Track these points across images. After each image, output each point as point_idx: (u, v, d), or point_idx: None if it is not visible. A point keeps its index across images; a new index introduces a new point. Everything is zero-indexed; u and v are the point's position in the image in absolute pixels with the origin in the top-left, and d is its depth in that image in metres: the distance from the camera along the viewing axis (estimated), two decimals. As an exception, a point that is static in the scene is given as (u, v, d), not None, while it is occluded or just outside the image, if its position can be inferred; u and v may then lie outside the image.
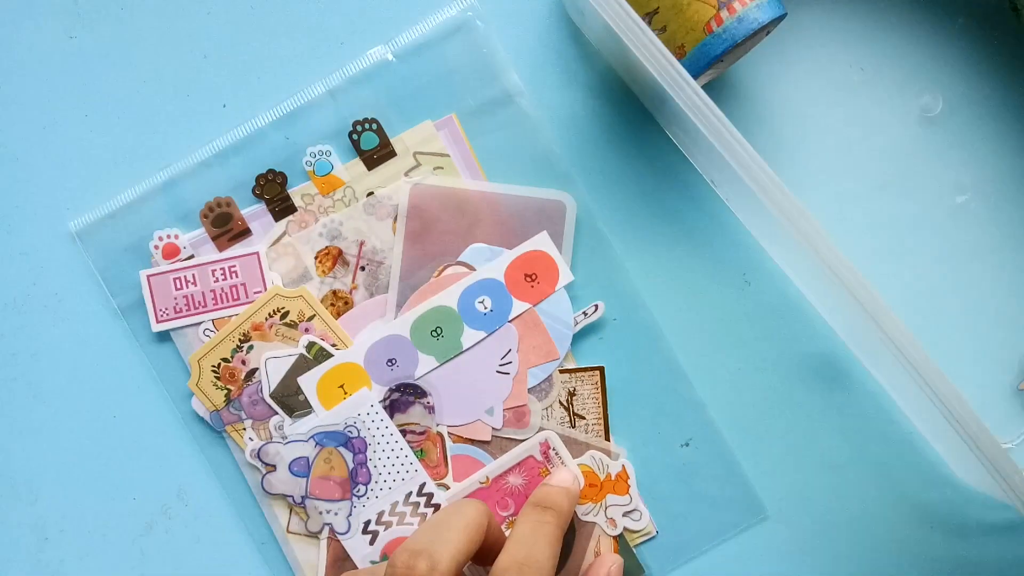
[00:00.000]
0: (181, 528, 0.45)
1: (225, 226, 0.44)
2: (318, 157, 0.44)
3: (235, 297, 0.44)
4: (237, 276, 0.44)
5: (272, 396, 0.44)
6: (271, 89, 0.45)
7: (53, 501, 0.45)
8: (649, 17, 0.39)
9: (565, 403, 0.45)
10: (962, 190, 0.45)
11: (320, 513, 0.44)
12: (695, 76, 0.40)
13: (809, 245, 0.36)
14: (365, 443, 0.44)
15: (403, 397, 0.44)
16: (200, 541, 0.45)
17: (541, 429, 0.44)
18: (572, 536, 0.44)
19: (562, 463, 0.44)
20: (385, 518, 0.44)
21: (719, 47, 0.39)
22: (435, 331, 0.44)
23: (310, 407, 0.44)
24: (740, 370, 0.45)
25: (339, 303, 0.45)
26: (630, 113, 0.45)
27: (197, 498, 0.45)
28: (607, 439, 0.45)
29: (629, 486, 0.44)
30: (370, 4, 0.46)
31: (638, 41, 0.37)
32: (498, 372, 0.44)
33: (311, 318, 0.44)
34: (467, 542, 0.35)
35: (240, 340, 0.44)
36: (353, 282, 0.45)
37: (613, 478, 0.44)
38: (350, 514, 0.44)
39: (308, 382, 0.44)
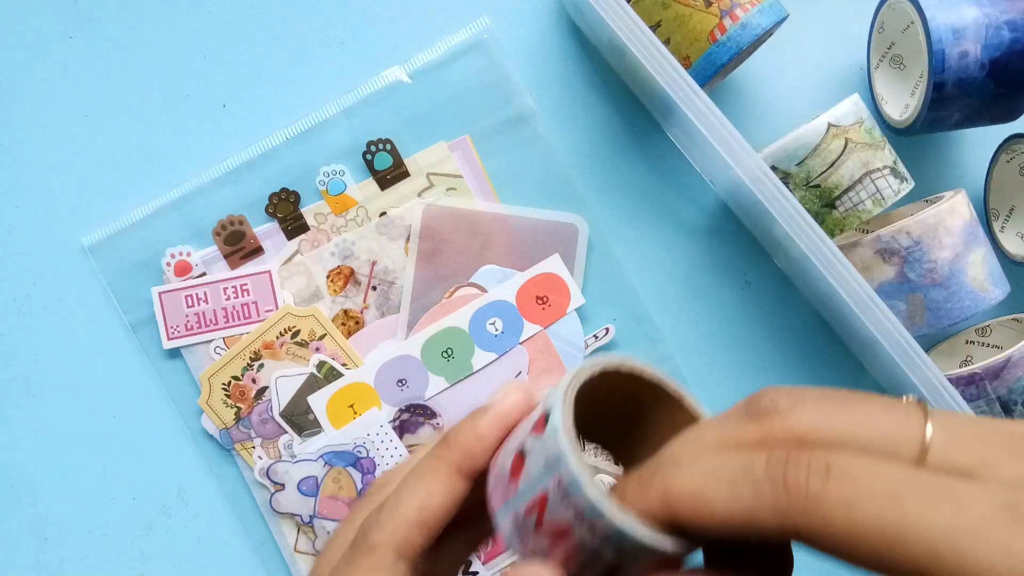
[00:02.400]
0: (181, 528, 0.45)
1: (237, 244, 0.44)
2: (331, 176, 0.44)
3: (246, 315, 0.44)
4: (249, 294, 0.44)
5: (282, 415, 0.44)
6: (274, 91, 0.45)
7: (53, 501, 0.45)
8: (652, 30, 0.39)
9: (575, 426, 0.44)
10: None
11: (328, 533, 0.44)
12: (702, 85, 0.40)
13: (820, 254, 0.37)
14: (374, 463, 0.44)
15: (413, 417, 0.44)
16: (200, 541, 0.45)
17: (550, 452, 0.44)
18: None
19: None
20: (393, 539, 0.44)
21: (724, 55, 0.39)
22: (446, 352, 0.44)
23: (320, 426, 0.44)
24: (740, 370, 0.45)
25: (350, 322, 0.45)
26: (640, 127, 0.45)
27: (196, 498, 0.45)
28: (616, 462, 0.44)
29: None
30: (384, 24, 0.46)
31: (646, 52, 0.37)
32: (508, 394, 0.44)
33: (322, 337, 0.44)
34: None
35: (251, 358, 0.44)
36: (364, 302, 0.45)
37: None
38: (358, 535, 0.44)
39: (318, 401, 0.44)
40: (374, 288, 0.45)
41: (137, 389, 0.45)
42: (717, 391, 0.45)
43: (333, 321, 0.44)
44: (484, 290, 0.44)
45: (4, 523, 0.45)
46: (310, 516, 0.44)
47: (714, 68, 0.40)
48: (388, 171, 0.45)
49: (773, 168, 0.39)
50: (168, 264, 0.44)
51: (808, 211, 0.38)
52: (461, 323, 0.44)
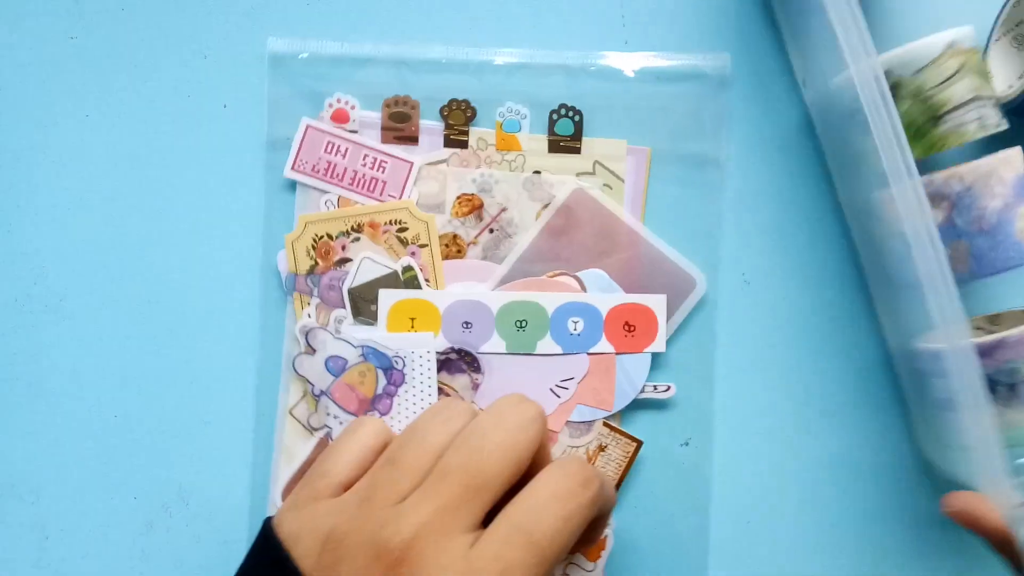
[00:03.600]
0: (182, 527, 0.45)
1: (400, 124, 0.45)
2: (513, 114, 0.45)
3: (371, 189, 0.45)
4: (384, 172, 0.45)
5: (350, 291, 0.44)
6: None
7: (54, 501, 0.45)
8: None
9: (591, 453, 0.45)
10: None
11: (327, 414, 0.44)
12: None
13: None
14: (403, 379, 0.44)
15: (458, 361, 0.45)
16: (201, 540, 0.45)
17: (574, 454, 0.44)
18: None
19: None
20: (379, 453, 0.44)
21: None
22: (520, 322, 0.44)
23: (375, 320, 0.44)
24: (743, 370, 0.45)
25: (453, 248, 0.45)
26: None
27: (198, 497, 0.45)
28: (608, 505, 0.45)
29: (600, 556, 0.44)
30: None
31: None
32: (551, 390, 0.45)
33: (423, 246, 0.45)
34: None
35: (352, 228, 0.45)
36: (476, 238, 0.45)
37: (592, 541, 0.44)
38: (353, 432, 0.44)
39: (387, 298, 0.44)
40: (491, 231, 0.45)
41: (129, 376, 0.45)
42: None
43: (441, 238, 0.45)
44: (584, 289, 0.45)
45: (4, 522, 0.45)
46: (322, 391, 0.44)
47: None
48: (564, 139, 0.45)
49: (886, 74, 0.40)
50: (330, 105, 0.45)
51: (912, 124, 0.39)
52: (548, 305, 0.44)
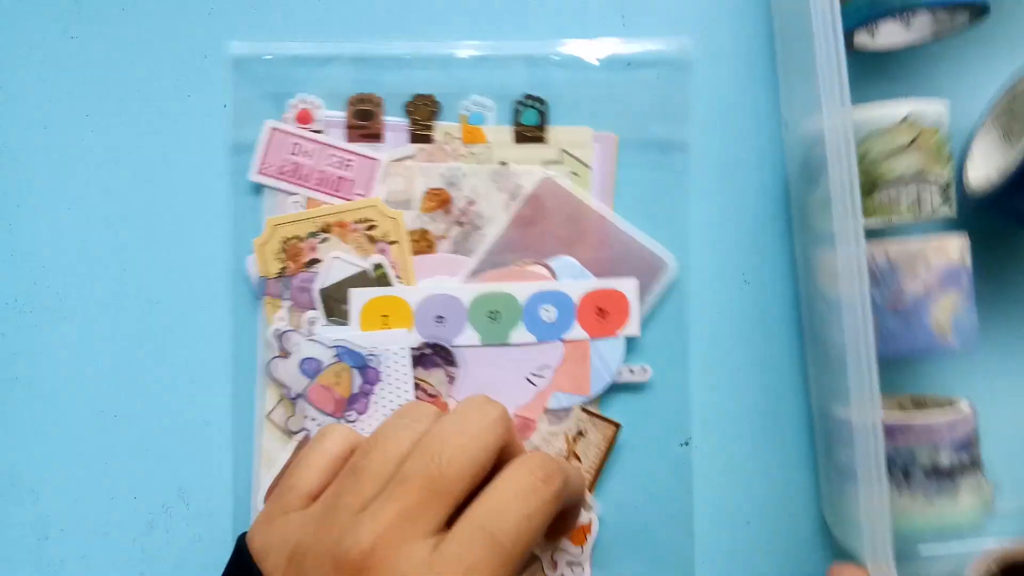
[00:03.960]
0: (182, 527, 0.45)
1: (365, 121, 0.45)
2: (478, 107, 0.45)
3: (338, 189, 0.45)
4: (350, 171, 0.45)
5: (321, 291, 0.44)
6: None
7: (54, 501, 0.45)
8: None
9: (571, 439, 0.45)
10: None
11: (305, 417, 0.44)
12: (849, 26, 0.39)
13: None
14: (379, 377, 0.44)
15: (433, 356, 0.45)
16: (201, 540, 0.45)
17: (537, 450, 0.45)
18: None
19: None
20: (359, 452, 0.44)
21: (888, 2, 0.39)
22: (492, 313, 0.44)
23: (348, 320, 0.44)
24: (740, 370, 0.46)
25: (423, 243, 0.45)
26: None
27: (198, 497, 0.45)
28: (591, 490, 0.45)
29: (586, 541, 0.44)
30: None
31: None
32: (527, 379, 0.45)
33: (392, 243, 0.45)
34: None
35: (321, 228, 0.44)
36: (446, 232, 0.45)
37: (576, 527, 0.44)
38: (332, 432, 0.44)
39: (358, 297, 0.44)
40: (460, 224, 0.45)
41: (130, 376, 0.45)
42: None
43: (410, 234, 0.45)
44: (555, 277, 0.45)
45: (4, 522, 0.45)
46: (297, 394, 0.44)
47: (873, 10, 0.40)
48: (529, 129, 0.45)
49: None
50: (294, 106, 0.45)
51: None
52: (520, 295, 0.45)
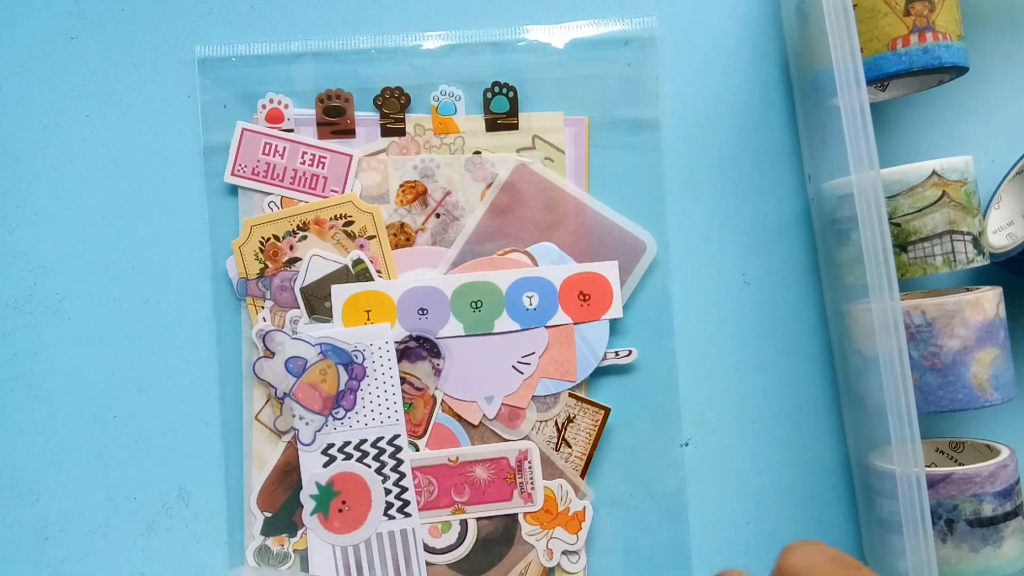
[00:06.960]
0: (181, 528, 0.45)
1: (335, 118, 0.45)
2: (447, 97, 0.45)
3: (312, 186, 0.44)
4: (324, 168, 0.44)
5: (302, 290, 0.44)
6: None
7: (54, 501, 0.45)
8: None
9: (560, 425, 0.45)
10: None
11: (293, 416, 0.44)
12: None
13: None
14: (365, 372, 0.44)
15: (418, 348, 0.45)
16: (200, 541, 0.45)
17: (527, 438, 0.44)
18: (507, 548, 0.44)
19: (531, 480, 0.44)
20: (348, 450, 0.44)
21: (893, 66, 0.40)
22: (475, 303, 0.44)
23: (331, 317, 0.44)
24: (740, 370, 0.46)
25: (402, 236, 0.45)
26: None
27: (197, 498, 0.45)
28: (582, 476, 0.45)
29: (581, 528, 0.44)
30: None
31: (837, 20, 0.37)
32: (513, 367, 0.44)
33: (371, 238, 0.44)
34: None
35: (298, 227, 0.44)
36: (424, 224, 0.45)
37: (570, 514, 0.44)
38: (320, 430, 0.44)
39: (340, 294, 0.44)
40: (438, 216, 0.45)
41: (129, 375, 0.45)
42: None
43: (388, 228, 0.45)
44: (535, 263, 0.45)
45: (4, 523, 0.45)
46: (284, 393, 0.44)
47: (877, 74, 0.40)
48: (500, 116, 0.45)
49: None
50: (264, 107, 0.45)
51: None
52: (501, 283, 0.44)
